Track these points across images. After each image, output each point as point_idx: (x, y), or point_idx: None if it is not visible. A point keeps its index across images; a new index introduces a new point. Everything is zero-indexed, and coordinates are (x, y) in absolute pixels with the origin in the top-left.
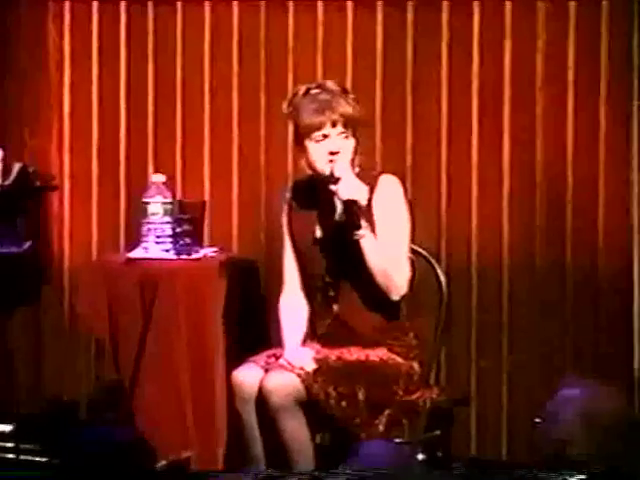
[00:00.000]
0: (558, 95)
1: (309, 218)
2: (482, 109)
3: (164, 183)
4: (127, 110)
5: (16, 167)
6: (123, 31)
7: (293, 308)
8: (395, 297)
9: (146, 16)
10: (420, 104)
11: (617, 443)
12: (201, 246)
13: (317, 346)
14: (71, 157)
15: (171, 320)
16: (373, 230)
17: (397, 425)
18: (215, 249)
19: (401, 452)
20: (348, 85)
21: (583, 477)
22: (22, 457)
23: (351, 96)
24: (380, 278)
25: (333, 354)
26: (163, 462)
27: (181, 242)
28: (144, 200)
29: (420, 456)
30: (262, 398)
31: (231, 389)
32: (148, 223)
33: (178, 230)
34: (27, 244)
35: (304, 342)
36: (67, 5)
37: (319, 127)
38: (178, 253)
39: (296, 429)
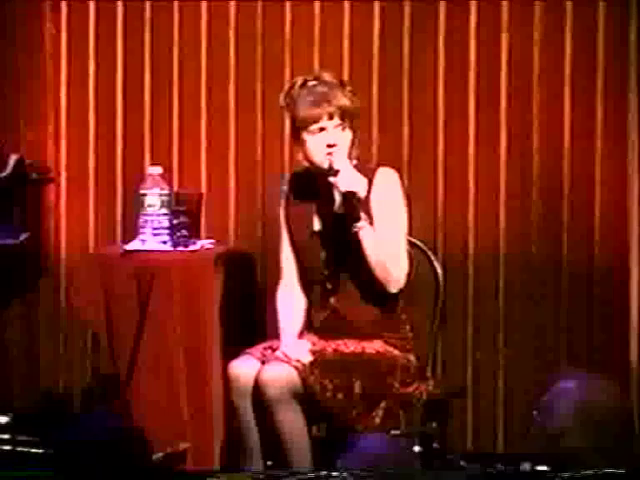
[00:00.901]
0: (555, 89)
1: (307, 211)
2: (479, 102)
3: (161, 175)
4: (124, 102)
5: (13, 159)
6: (120, 24)
7: (290, 300)
8: (393, 290)
9: (143, 9)
10: (417, 97)
11: (613, 436)
12: (198, 238)
13: (314, 338)
14: (68, 149)
15: (168, 312)
16: (371, 223)
17: (393, 417)
18: (212, 241)
19: (397, 444)
20: (345, 78)
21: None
22: (18, 449)
23: (348, 88)
24: (378, 271)
25: (330, 346)
26: (159, 454)
27: (178, 234)
28: (141, 192)
29: (416, 448)
30: (258, 390)
31: (227, 381)
32: (145, 215)
33: (175, 222)
34: (23, 236)
35: (301, 334)
36: None
37: (316, 120)
38: (175, 245)
39: (292, 421)
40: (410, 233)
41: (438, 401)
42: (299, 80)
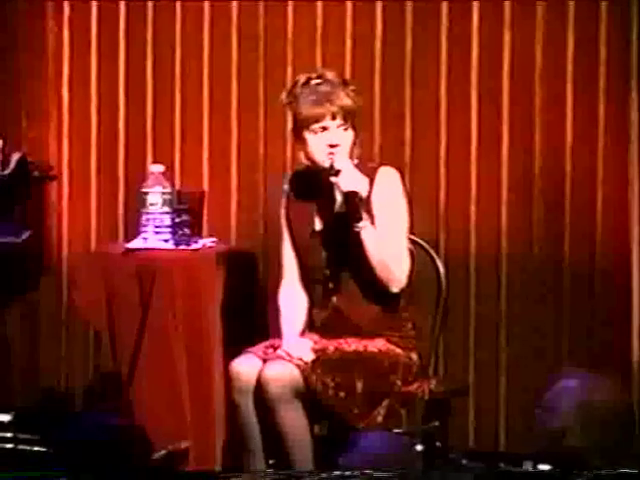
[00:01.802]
0: (557, 88)
1: (308, 210)
2: (481, 101)
3: (163, 173)
4: (126, 100)
5: (15, 157)
6: (122, 22)
7: (292, 299)
8: (395, 289)
9: (145, 7)
10: (419, 96)
11: (614, 434)
12: (200, 236)
13: (315, 337)
14: (70, 147)
15: (169, 310)
16: (372, 222)
17: (395, 416)
18: (214, 239)
19: (399, 443)
20: (347, 76)
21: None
22: (20, 447)
23: (351, 87)
24: (380, 270)
25: (331, 345)
26: (161, 453)
27: (180, 232)
28: (143, 190)
29: (418, 447)
30: (260, 388)
31: (229, 379)
32: (147, 213)
33: (177, 220)
34: (26, 234)
35: (302, 333)
36: None
37: (318, 119)
38: (177, 243)
39: (294, 419)
40: (412, 232)
41: (440, 400)
42: (302, 78)
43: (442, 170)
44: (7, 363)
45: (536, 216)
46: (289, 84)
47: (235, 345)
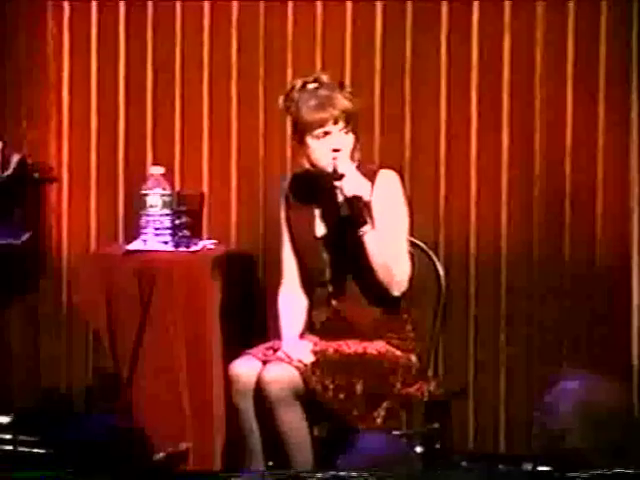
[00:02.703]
0: (557, 89)
1: (308, 214)
2: (481, 102)
3: (163, 175)
4: (126, 102)
5: (15, 158)
6: (122, 23)
7: (292, 301)
8: (396, 293)
9: (145, 7)
10: (419, 97)
11: (615, 435)
12: (200, 238)
13: (315, 339)
14: (70, 149)
15: (169, 312)
16: (373, 226)
17: (395, 418)
18: (214, 241)
19: (399, 445)
20: (347, 78)
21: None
22: (20, 449)
23: (347, 90)
24: (381, 274)
25: (331, 347)
26: (161, 454)
27: (180, 234)
28: (143, 192)
29: (418, 449)
30: (260, 390)
31: (228, 381)
32: (147, 215)
33: (177, 222)
34: (25, 235)
35: (302, 335)
36: None
37: (321, 124)
38: (177, 245)
39: (294, 421)
40: (412, 234)
41: (440, 401)
42: (298, 82)
43: (442, 172)
44: (7, 364)
45: (536, 218)
46: (287, 88)
47: (235, 347)
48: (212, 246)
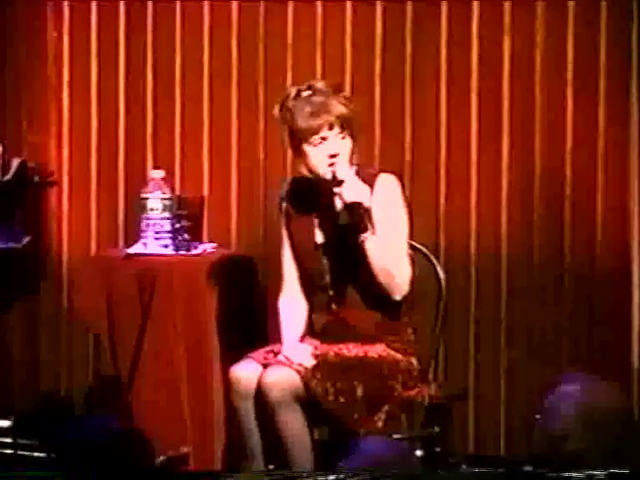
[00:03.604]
0: (557, 92)
1: (308, 221)
2: (481, 106)
3: (163, 179)
4: (126, 105)
5: (15, 162)
6: (122, 26)
7: (292, 305)
8: (397, 297)
9: (145, 11)
10: (419, 100)
11: (616, 439)
12: (200, 242)
13: (316, 342)
14: (70, 152)
15: (169, 316)
16: (373, 230)
17: (395, 421)
18: (214, 245)
19: (399, 448)
20: (347, 81)
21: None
22: (20, 453)
23: (342, 94)
24: (382, 278)
25: (332, 350)
26: (162, 458)
27: (180, 238)
28: (143, 196)
29: (418, 452)
30: (261, 393)
31: (229, 384)
32: (147, 219)
33: (177, 226)
34: (26, 239)
35: (302, 339)
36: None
37: (316, 131)
38: (177, 249)
39: (294, 425)
40: (412, 237)
41: (440, 404)
42: (292, 91)
43: (442, 175)
44: (7, 367)
45: (536, 221)
46: (280, 99)
47: (235, 350)
48: (212, 250)
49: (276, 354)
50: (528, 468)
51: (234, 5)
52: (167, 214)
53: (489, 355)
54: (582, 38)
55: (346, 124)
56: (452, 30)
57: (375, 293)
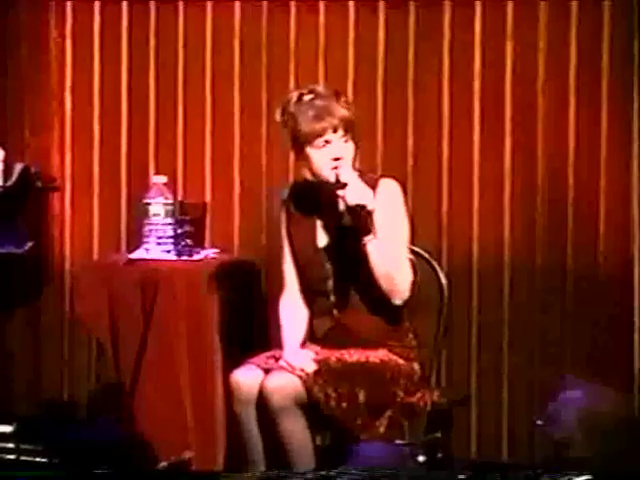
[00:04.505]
0: (559, 96)
1: (310, 225)
2: (483, 111)
3: (165, 184)
4: (128, 111)
5: (18, 168)
6: (125, 31)
7: (293, 310)
8: (398, 302)
9: (148, 16)
10: (421, 105)
11: (617, 444)
12: (202, 247)
13: (317, 348)
14: (72, 158)
15: (171, 321)
16: (375, 235)
17: (397, 426)
18: (216, 250)
19: (401, 453)
20: (349, 86)
21: (588, 478)
22: (22, 458)
23: (343, 99)
24: (384, 283)
25: (333, 355)
26: (164, 463)
27: (182, 243)
28: (145, 201)
29: (420, 457)
30: (262, 399)
31: (229, 390)
32: (149, 224)
33: (179, 231)
34: (28, 245)
35: (303, 344)
36: (69, 4)
37: (321, 133)
38: (179, 254)
39: (296, 430)
40: (414, 242)
41: (442, 410)
42: (294, 95)
43: (445, 181)
44: (9, 372)
45: (539, 226)
46: (281, 103)
47: (237, 355)
48: (214, 255)
49: (277, 359)
50: (529, 473)
51: (236, 11)
52: (169, 219)
53: (491, 360)
54: (585, 42)
55: (349, 128)
56: (454, 35)
57: (376, 298)
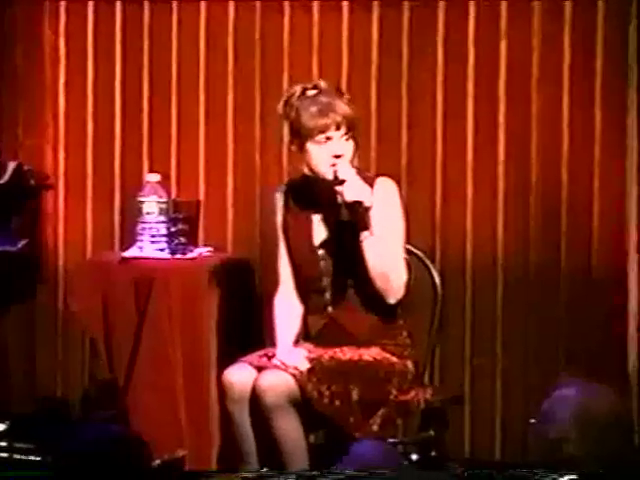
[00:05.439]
0: (554, 95)
1: (306, 221)
2: (477, 109)
3: (159, 182)
4: (122, 109)
5: (11, 166)
6: (118, 30)
7: (287, 308)
8: (392, 300)
9: (142, 15)
10: (415, 104)
11: (612, 443)
12: (196, 245)
13: (310, 346)
14: (66, 156)
15: (165, 319)
16: (371, 233)
17: (391, 425)
18: (210, 248)
19: (395, 452)
20: (343, 85)
21: (575, 477)
22: (16, 456)
23: (346, 96)
24: (378, 281)
25: (327, 354)
26: (158, 461)
27: (176, 241)
28: (139, 199)
29: (414, 456)
30: (256, 397)
31: (222, 389)
32: (143, 222)
33: (173, 229)
34: (22, 243)
35: (297, 342)
36: (63, 4)
37: (323, 130)
38: (173, 252)
39: (290, 429)
40: (408, 241)
41: (436, 408)
42: (298, 89)
43: (439, 178)
44: (3, 371)
45: (533, 225)
46: (284, 95)
47: (231, 354)
48: (208, 253)
49: (270, 358)
50: (523, 472)
51: (230, 11)
52: (163, 218)
53: (485, 359)
54: (578, 42)
55: (351, 126)
56: (448, 34)
57: (371, 296)
